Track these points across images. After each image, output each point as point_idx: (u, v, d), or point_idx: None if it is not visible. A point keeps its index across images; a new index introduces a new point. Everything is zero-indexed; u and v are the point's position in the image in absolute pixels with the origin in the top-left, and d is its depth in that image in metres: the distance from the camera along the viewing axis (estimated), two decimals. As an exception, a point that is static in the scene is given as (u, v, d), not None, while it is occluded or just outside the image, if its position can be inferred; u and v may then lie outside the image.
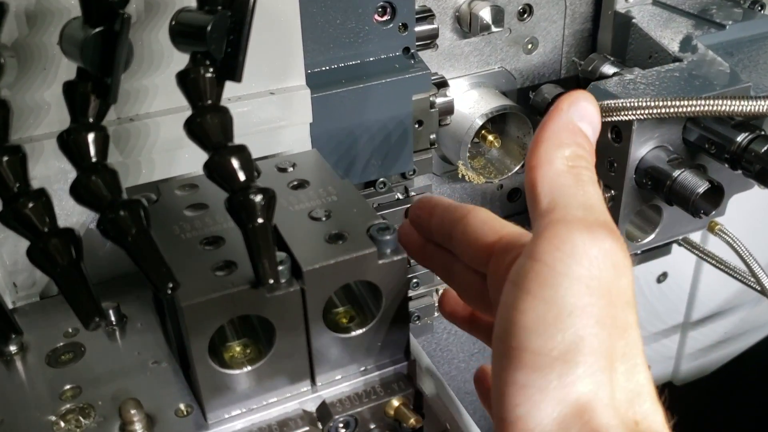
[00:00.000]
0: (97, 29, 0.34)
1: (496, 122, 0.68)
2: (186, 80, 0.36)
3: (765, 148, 0.49)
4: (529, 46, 0.70)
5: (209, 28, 0.35)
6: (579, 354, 0.31)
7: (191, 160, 0.46)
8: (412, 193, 0.63)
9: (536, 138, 0.34)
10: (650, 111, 0.48)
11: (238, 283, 0.35)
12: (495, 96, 0.68)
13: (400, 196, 0.63)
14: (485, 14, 0.63)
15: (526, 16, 0.68)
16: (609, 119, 0.51)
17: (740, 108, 0.46)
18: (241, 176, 0.35)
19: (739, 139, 0.50)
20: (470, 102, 0.67)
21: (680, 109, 0.47)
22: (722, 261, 0.71)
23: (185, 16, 0.36)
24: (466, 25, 0.64)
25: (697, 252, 0.72)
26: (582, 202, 0.33)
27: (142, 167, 0.46)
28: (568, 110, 0.35)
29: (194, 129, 0.35)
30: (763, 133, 0.50)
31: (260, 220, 0.35)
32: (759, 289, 0.64)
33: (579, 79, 0.72)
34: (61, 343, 0.43)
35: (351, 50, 0.52)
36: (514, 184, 0.76)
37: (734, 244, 0.64)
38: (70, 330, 0.44)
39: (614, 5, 0.68)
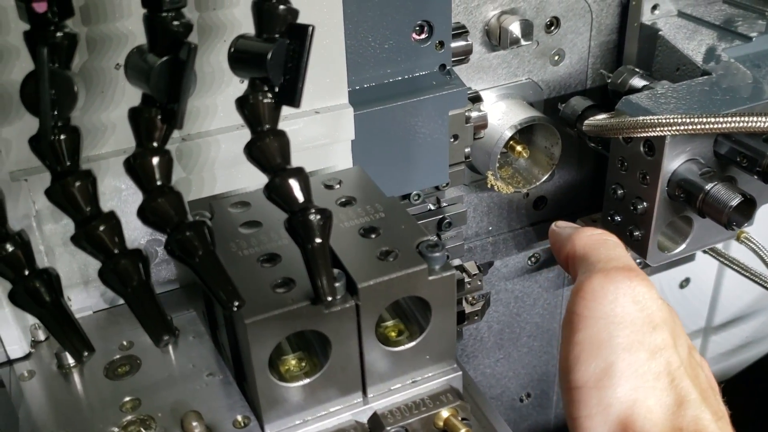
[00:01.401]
0: (165, 58, 0.35)
1: (523, 133, 0.69)
2: (245, 105, 0.37)
3: (796, 161, 0.50)
4: (556, 57, 0.71)
5: (269, 56, 0.36)
6: (611, 378, 0.37)
7: (247, 175, 0.48)
8: (444, 204, 0.64)
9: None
10: (683, 128, 0.49)
11: (298, 300, 0.37)
12: (523, 107, 0.69)
13: (432, 207, 0.64)
14: (515, 28, 0.64)
15: (553, 28, 0.69)
16: (643, 134, 0.52)
17: (763, 125, 0.47)
18: (300, 198, 0.37)
19: (770, 152, 0.51)
20: (499, 113, 0.68)
21: (712, 126, 0.49)
22: (746, 267, 0.72)
23: (244, 43, 0.37)
24: (495, 39, 0.66)
25: (721, 258, 0.73)
26: (605, 256, 0.41)
27: (203, 183, 0.47)
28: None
29: (254, 153, 0.37)
30: (793, 146, 0.51)
31: (318, 240, 0.36)
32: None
33: (605, 90, 0.73)
34: (118, 356, 0.45)
35: (390, 68, 0.53)
36: (540, 193, 0.78)
37: (760, 252, 0.65)
38: (125, 343, 0.45)
39: (640, 17, 0.69)
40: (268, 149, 0.37)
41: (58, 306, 0.35)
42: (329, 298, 0.36)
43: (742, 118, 0.48)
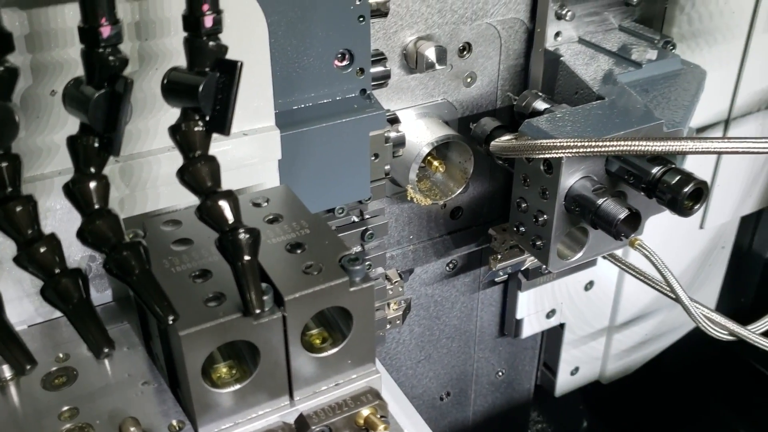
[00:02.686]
0: (102, 91, 0.38)
1: (440, 149, 0.74)
2: (178, 133, 0.40)
3: (676, 179, 0.57)
4: (468, 80, 0.76)
5: (201, 88, 0.39)
6: None
7: (177, 194, 0.50)
8: (367, 216, 0.69)
9: None
10: (576, 150, 0.55)
11: (229, 313, 0.40)
12: (439, 125, 0.74)
13: (356, 219, 0.68)
14: (430, 54, 0.69)
15: (465, 53, 0.75)
16: (541, 156, 0.58)
17: (650, 148, 0.54)
18: (230, 218, 0.40)
19: (653, 171, 0.58)
20: (417, 131, 0.73)
21: (601, 149, 0.55)
22: (641, 271, 0.79)
23: (177, 75, 0.41)
24: (413, 63, 0.70)
25: (618, 264, 0.79)
26: None
27: (136, 202, 0.50)
28: None
29: (186, 177, 0.40)
30: (673, 166, 0.58)
31: (247, 258, 0.40)
32: (673, 297, 0.73)
33: (513, 111, 0.79)
34: (54, 368, 0.47)
35: (314, 92, 0.57)
36: (457, 203, 0.83)
37: (651, 257, 0.72)
38: (61, 355, 0.48)
39: (544, 43, 0.76)
40: (199, 174, 0.40)
41: (86, 303, 0.38)
42: (258, 311, 0.40)
43: (628, 142, 0.54)
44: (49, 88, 0.45)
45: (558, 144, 0.56)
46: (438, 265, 0.86)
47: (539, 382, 1.06)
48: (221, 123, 0.40)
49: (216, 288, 0.42)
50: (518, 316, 0.92)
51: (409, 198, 0.74)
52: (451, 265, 0.87)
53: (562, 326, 0.98)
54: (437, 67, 0.70)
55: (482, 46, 0.75)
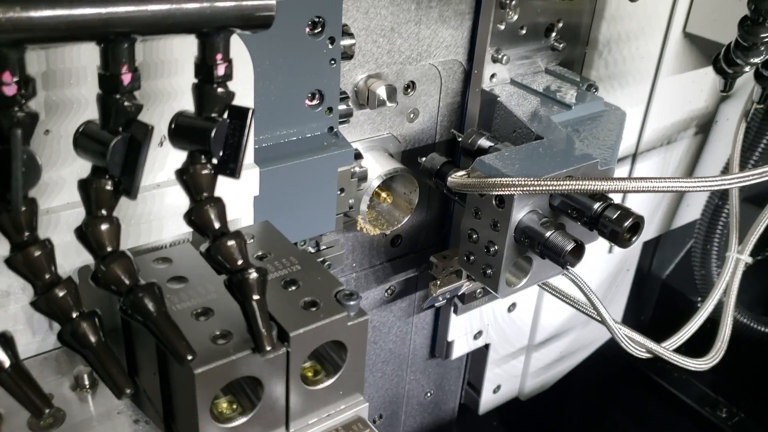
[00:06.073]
0: (120, 136, 0.38)
1: (386, 180, 0.78)
2: (186, 175, 0.41)
3: (616, 214, 0.63)
4: (412, 115, 0.80)
5: (213, 133, 0.41)
6: None
7: (159, 230, 0.51)
8: (323, 247, 0.71)
9: None
10: (528, 188, 0.60)
11: (239, 350, 0.42)
12: (386, 159, 0.78)
13: (312, 250, 0.70)
14: (381, 92, 0.72)
15: (409, 90, 0.79)
16: (497, 192, 0.62)
17: (596, 187, 0.60)
18: (239, 259, 0.41)
19: (595, 206, 0.64)
20: (366, 164, 0.76)
21: (553, 187, 0.60)
22: (567, 295, 0.85)
23: (185, 120, 0.42)
24: (364, 99, 0.74)
25: (546, 289, 0.86)
26: None
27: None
28: None
29: (195, 219, 0.41)
30: (612, 202, 0.64)
31: (257, 297, 0.41)
32: (599, 319, 0.79)
33: (450, 143, 0.84)
34: (39, 410, 0.46)
35: (285, 130, 0.59)
36: (397, 231, 0.87)
37: (578, 282, 0.78)
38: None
39: (481, 84, 0.81)
40: (207, 215, 0.41)
41: (105, 345, 0.38)
42: (269, 348, 0.41)
43: (577, 182, 0.60)
44: (43, 128, 0.45)
45: (513, 182, 0.60)
46: (377, 292, 0.89)
47: (464, 401, 1.11)
48: (233, 166, 0.42)
49: (221, 325, 0.43)
50: (449, 339, 0.97)
51: (359, 228, 0.77)
52: (389, 291, 0.90)
53: (487, 346, 1.03)
54: (388, 104, 0.73)
55: (425, 85, 0.80)
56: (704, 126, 1.10)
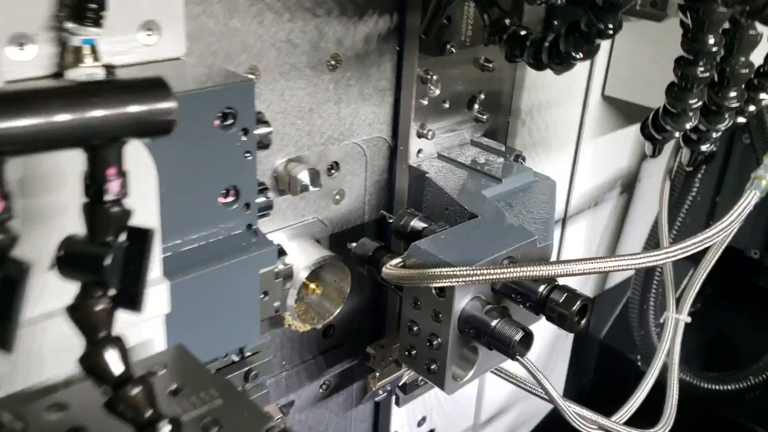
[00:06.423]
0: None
1: (314, 269, 0.72)
2: (77, 312, 0.35)
3: (563, 298, 0.59)
4: (338, 197, 0.75)
5: (107, 261, 0.34)
6: None
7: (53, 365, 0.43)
8: (248, 354, 0.64)
9: None
10: (471, 279, 0.56)
11: None
12: (313, 246, 0.72)
13: (236, 359, 0.63)
14: (304, 177, 0.67)
15: (333, 171, 0.74)
16: (437, 285, 0.58)
17: (543, 273, 0.55)
18: (146, 411, 0.35)
19: (540, 290, 0.60)
20: (291, 255, 0.70)
21: (497, 276, 0.56)
22: (514, 375, 0.80)
23: (74, 247, 0.35)
24: (284, 185, 0.68)
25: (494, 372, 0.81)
26: None
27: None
28: None
29: (92, 366, 0.34)
30: (557, 283, 0.60)
31: (172, 453, 0.34)
32: (547, 398, 0.74)
33: (380, 223, 0.80)
34: None
35: (197, 233, 0.53)
36: (329, 322, 0.80)
37: (527, 365, 0.74)
38: None
39: (407, 159, 0.77)
40: (104, 362, 0.35)
41: None
42: None
43: (516, 269, 0.56)
44: None
45: (455, 272, 0.56)
46: (312, 388, 0.82)
47: (409, 490, 1.04)
48: (132, 299, 0.35)
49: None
50: (392, 430, 0.90)
51: (287, 325, 0.70)
52: (324, 386, 0.83)
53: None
54: (311, 189, 0.68)
55: (349, 164, 0.75)
56: (628, 185, 1.09)
